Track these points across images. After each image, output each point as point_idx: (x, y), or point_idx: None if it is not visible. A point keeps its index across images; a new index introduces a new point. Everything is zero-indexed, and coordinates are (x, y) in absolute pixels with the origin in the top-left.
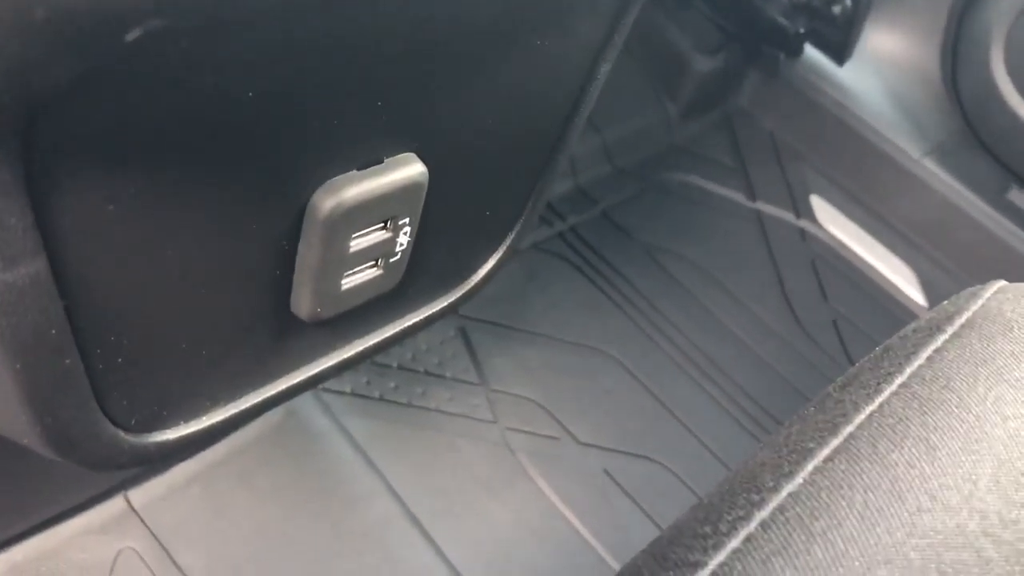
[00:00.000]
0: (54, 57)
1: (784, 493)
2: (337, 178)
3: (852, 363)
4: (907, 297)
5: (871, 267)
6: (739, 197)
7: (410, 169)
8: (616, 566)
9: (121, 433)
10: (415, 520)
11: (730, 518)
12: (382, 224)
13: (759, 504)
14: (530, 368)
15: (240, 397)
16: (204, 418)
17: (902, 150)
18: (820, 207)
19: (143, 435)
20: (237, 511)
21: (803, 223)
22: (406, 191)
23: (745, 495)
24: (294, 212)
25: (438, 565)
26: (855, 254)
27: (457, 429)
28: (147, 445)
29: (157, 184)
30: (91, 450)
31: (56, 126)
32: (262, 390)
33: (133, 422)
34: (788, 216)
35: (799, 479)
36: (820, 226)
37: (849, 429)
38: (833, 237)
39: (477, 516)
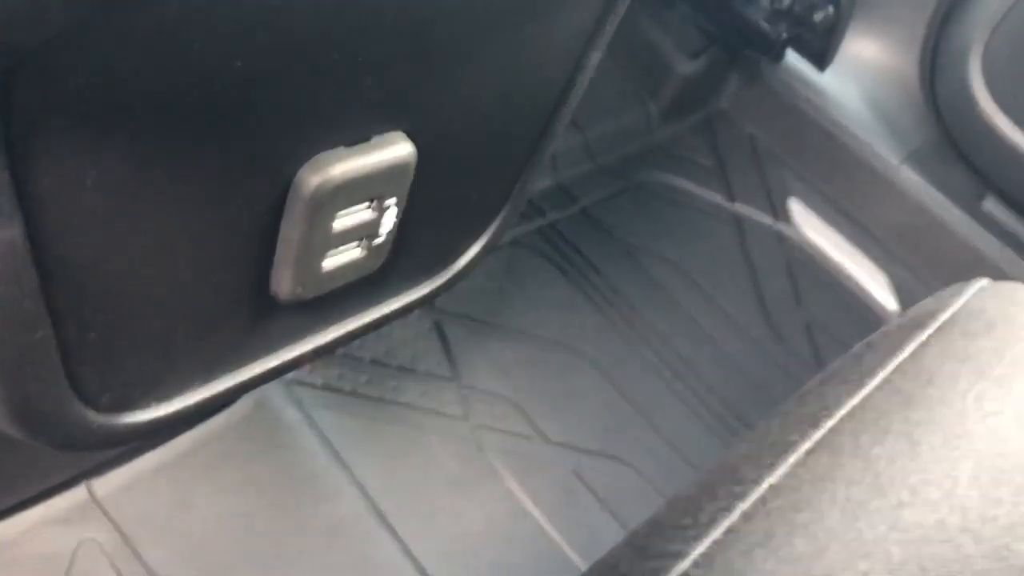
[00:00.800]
0: (39, 7)
1: (766, 485)
2: (324, 154)
3: (822, 368)
4: (880, 303)
5: (846, 272)
6: (718, 199)
7: (398, 148)
8: (582, 566)
9: (91, 412)
10: (382, 517)
11: (711, 510)
12: (367, 204)
13: (741, 496)
14: (504, 365)
15: (214, 380)
16: (176, 400)
17: (880, 156)
18: (797, 211)
19: (114, 415)
20: (202, 504)
21: (780, 226)
22: (393, 170)
23: (726, 487)
24: (279, 188)
25: (404, 562)
26: (830, 258)
27: (428, 425)
28: (117, 426)
29: (139, 152)
30: (59, 429)
31: (37, 85)
32: (237, 373)
33: (104, 401)
34: (766, 219)
35: (781, 472)
36: (797, 230)
37: (831, 423)
38: (809, 241)
39: (445, 514)
